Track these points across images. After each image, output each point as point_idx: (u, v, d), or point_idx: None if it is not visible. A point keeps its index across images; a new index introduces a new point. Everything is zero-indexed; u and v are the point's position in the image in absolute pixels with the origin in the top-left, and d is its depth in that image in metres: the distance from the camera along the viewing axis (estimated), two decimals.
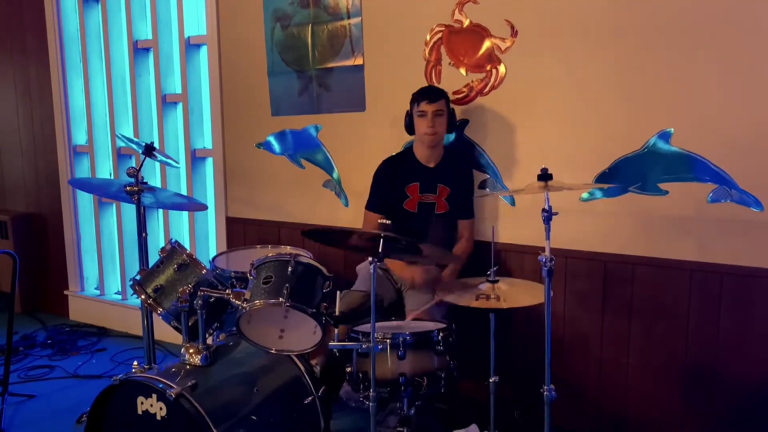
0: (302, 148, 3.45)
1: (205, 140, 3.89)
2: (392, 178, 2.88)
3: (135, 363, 2.29)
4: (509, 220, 2.92)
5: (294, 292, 2.18)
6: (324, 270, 2.32)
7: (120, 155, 4.19)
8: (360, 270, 2.91)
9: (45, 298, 4.63)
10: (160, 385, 2.07)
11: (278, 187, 3.57)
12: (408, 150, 2.92)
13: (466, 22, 2.89)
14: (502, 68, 2.84)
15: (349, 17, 3.18)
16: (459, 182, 2.86)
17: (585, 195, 2.75)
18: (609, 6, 2.59)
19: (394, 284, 2.85)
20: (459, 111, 2.95)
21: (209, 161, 3.90)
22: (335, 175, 3.37)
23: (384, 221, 2.05)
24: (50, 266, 4.58)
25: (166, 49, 3.89)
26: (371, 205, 2.92)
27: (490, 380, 2.38)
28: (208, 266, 2.55)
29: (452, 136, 2.98)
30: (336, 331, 2.29)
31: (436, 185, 2.83)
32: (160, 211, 4.09)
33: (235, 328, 2.29)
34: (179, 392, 2.04)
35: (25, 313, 4.50)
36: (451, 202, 2.84)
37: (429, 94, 2.75)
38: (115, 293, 4.40)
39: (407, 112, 2.81)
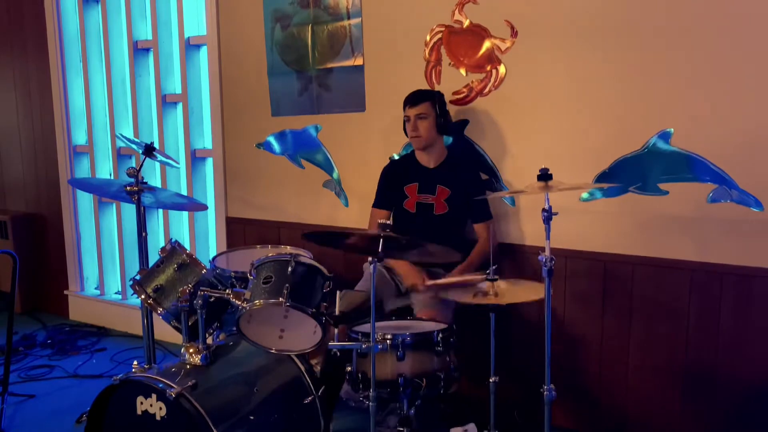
0: (302, 148, 3.45)
1: (205, 140, 3.89)
2: (394, 178, 2.91)
3: (135, 363, 2.29)
4: (509, 220, 2.92)
5: (294, 292, 2.18)
6: (324, 270, 2.32)
7: (120, 155, 4.19)
8: (365, 268, 2.92)
9: (45, 298, 4.63)
10: (160, 385, 2.07)
11: (278, 187, 3.57)
12: (412, 152, 2.94)
13: (466, 23, 2.89)
14: (502, 69, 2.84)
15: (349, 17, 3.18)
16: (462, 184, 2.83)
17: (585, 195, 2.75)
18: (609, 6, 2.59)
19: (399, 284, 2.85)
20: (459, 111, 2.95)
21: (209, 161, 3.90)
22: (335, 175, 3.37)
23: (384, 221, 2.05)
24: (50, 266, 4.58)
25: (166, 50, 3.89)
26: (375, 203, 2.98)
27: (490, 380, 2.37)
28: (208, 266, 2.56)
29: (451, 138, 2.98)
30: (336, 331, 2.29)
31: (435, 186, 2.83)
32: (160, 211, 4.09)
33: (235, 328, 2.29)
34: (179, 392, 2.04)
35: (25, 313, 4.50)
36: (451, 204, 2.83)
37: (411, 98, 2.78)
38: (115, 293, 4.40)
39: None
